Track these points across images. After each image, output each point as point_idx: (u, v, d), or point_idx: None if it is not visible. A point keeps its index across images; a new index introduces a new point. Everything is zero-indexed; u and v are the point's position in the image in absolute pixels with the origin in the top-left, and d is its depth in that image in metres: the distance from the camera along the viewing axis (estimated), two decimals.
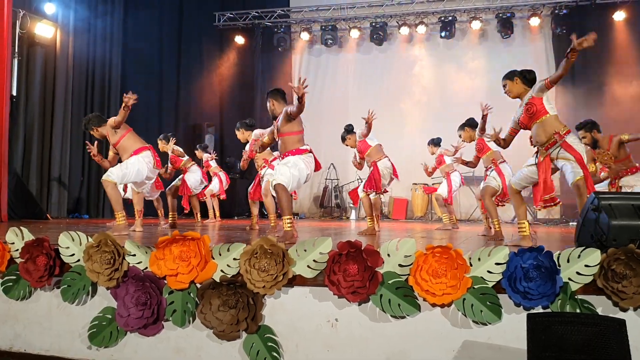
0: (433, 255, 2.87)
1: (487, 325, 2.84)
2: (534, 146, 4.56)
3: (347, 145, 6.92)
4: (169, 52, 12.42)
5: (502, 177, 6.16)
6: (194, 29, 12.68)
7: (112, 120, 5.87)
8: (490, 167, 6.34)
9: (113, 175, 5.70)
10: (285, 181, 4.85)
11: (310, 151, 5.15)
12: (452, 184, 8.15)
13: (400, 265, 2.92)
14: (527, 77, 4.60)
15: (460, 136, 6.89)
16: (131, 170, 5.84)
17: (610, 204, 3.11)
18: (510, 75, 4.67)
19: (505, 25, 11.36)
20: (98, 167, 10.45)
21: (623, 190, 5.89)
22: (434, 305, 2.88)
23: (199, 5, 12.71)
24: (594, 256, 2.78)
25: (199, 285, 3.06)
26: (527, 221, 4.59)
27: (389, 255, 2.93)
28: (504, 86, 4.68)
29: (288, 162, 5.01)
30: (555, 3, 11.12)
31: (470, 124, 6.72)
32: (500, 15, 11.42)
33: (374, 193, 6.75)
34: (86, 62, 10.51)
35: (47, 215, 9.10)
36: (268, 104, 5.30)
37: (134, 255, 3.16)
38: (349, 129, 6.92)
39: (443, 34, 11.76)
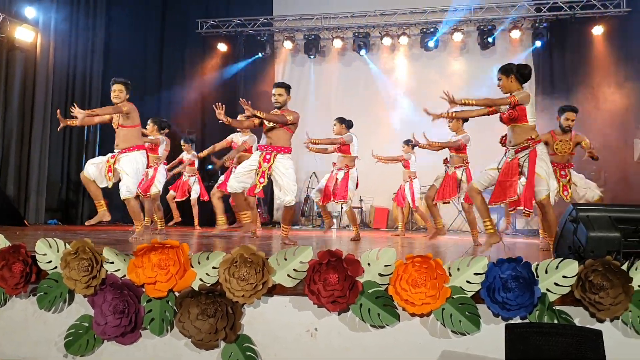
0: (413, 264, 2.88)
1: (465, 335, 2.85)
2: (505, 146, 4.66)
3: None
4: (151, 59, 12.36)
5: (470, 179, 6.40)
6: (176, 35, 12.63)
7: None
8: (461, 167, 6.58)
9: (132, 188, 5.82)
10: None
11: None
12: (414, 190, 8.65)
13: (380, 275, 2.92)
14: (523, 75, 4.70)
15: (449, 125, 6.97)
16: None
17: (588, 216, 3.15)
18: (506, 72, 4.75)
19: (487, 38, 11.47)
20: (77, 173, 10.36)
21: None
22: (413, 315, 2.88)
23: (182, 12, 12.67)
24: (572, 267, 2.81)
25: (177, 294, 3.03)
26: (491, 218, 4.67)
27: (369, 264, 2.94)
28: (499, 79, 4.77)
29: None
30: (535, 16, 11.27)
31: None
32: (482, 27, 11.53)
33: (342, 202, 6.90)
34: (67, 68, 10.42)
35: (25, 221, 8.98)
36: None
37: (112, 262, 3.13)
38: (342, 120, 7.17)
39: (425, 45, 11.85)
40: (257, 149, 5.83)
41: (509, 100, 4.57)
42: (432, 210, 6.97)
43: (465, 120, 6.72)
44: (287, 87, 5.84)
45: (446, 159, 6.98)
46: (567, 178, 6.04)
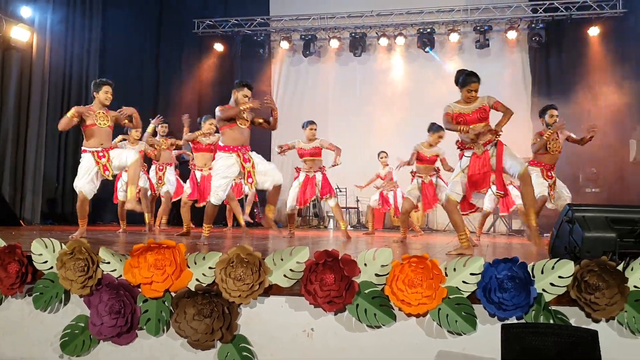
0: (409, 265, 2.88)
1: (461, 335, 2.85)
2: (462, 148, 4.74)
3: None
4: (148, 59, 12.34)
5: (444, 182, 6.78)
6: (173, 35, 12.62)
7: None
8: (434, 174, 6.97)
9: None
10: None
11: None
12: (397, 199, 8.91)
13: (376, 275, 2.92)
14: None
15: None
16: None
17: (583, 216, 3.16)
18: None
19: (483, 38, 11.50)
20: (73, 173, 10.32)
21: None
22: (409, 315, 2.89)
23: (179, 12, 12.66)
24: (568, 267, 2.81)
25: (173, 294, 3.03)
26: (466, 231, 4.75)
27: (365, 264, 2.94)
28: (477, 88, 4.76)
29: None
30: (532, 17, 11.30)
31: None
32: (478, 28, 11.55)
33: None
34: (63, 67, 10.39)
35: (20, 221, 8.96)
36: None
37: (108, 263, 3.12)
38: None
39: (422, 46, 11.86)
40: (229, 151, 5.49)
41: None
42: (404, 220, 7.05)
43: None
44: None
45: (413, 171, 7.14)
46: (553, 180, 6.14)
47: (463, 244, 4.63)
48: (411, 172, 7.16)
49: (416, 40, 12.01)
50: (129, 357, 3.10)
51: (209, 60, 12.83)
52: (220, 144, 5.56)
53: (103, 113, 5.82)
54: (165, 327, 3.05)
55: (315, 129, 7.08)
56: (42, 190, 9.88)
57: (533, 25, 11.30)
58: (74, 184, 5.76)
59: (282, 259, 3.00)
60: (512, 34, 11.39)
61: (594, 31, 10.90)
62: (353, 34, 12.20)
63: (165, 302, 3.05)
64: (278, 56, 12.97)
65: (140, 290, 3.06)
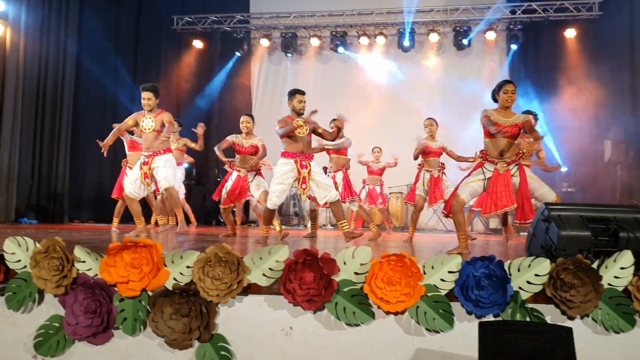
0: (388, 263, 2.89)
1: (439, 333, 2.87)
2: (489, 159, 4.69)
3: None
4: (126, 55, 12.21)
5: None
6: (151, 31, 12.52)
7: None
8: (441, 169, 7.01)
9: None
10: None
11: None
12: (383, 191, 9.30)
13: (356, 273, 2.92)
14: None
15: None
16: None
17: (559, 215, 3.19)
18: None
19: (462, 39, 11.59)
20: (48, 172, 10.20)
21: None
22: (388, 313, 2.89)
23: (157, 8, 12.55)
24: (544, 266, 2.84)
25: (150, 293, 3.00)
26: (466, 232, 4.81)
27: (345, 263, 2.94)
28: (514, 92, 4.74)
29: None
30: (510, 18, 11.41)
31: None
32: (457, 28, 11.64)
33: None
34: (38, 63, 10.22)
35: None
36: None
37: (84, 261, 3.08)
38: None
39: (402, 45, 11.91)
40: (288, 157, 5.71)
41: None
42: (416, 219, 7.17)
43: None
44: None
45: (420, 164, 7.08)
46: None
47: (462, 244, 4.67)
48: (418, 166, 7.14)
49: (397, 39, 12.05)
50: (104, 357, 3.06)
51: (187, 57, 12.74)
52: (282, 150, 5.77)
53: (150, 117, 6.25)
54: (142, 327, 3.02)
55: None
56: (16, 188, 9.72)
57: (511, 26, 11.41)
58: None
59: (261, 258, 2.98)
60: (491, 35, 11.50)
61: (570, 33, 11.05)
62: (334, 33, 12.20)
63: (142, 302, 3.01)
64: (258, 54, 12.93)
65: (116, 289, 3.02)
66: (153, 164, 6.13)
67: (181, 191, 8.55)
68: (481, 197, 4.87)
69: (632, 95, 10.12)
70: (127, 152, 7.84)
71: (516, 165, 4.68)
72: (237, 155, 6.83)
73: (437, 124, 7.01)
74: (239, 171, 6.72)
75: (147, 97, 6.23)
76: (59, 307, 3.09)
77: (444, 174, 7.08)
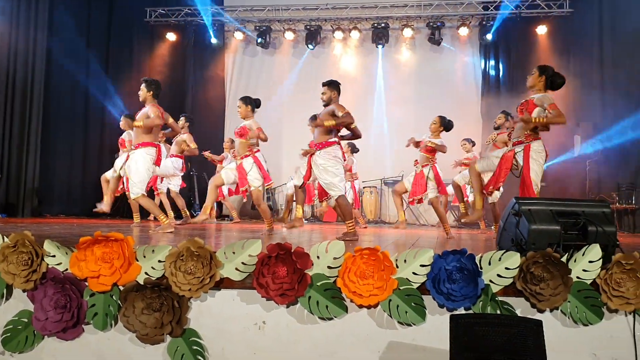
0: (361, 257, 2.90)
1: (411, 326, 2.90)
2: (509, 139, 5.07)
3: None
4: (98, 47, 11.99)
5: (438, 176, 6.94)
6: (124, 24, 12.31)
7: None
8: (428, 165, 6.94)
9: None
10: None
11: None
12: (355, 189, 9.31)
13: (329, 267, 2.93)
14: (553, 82, 4.86)
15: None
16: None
17: (529, 209, 3.24)
18: (542, 71, 4.87)
19: (436, 34, 11.66)
20: (17, 165, 10.00)
21: None
22: (360, 306, 2.91)
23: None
24: (514, 259, 2.88)
25: (122, 288, 2.97)
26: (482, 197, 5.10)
27: (318, 257, 2.94)
28: (532, 73, 4.89)
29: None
30: (483, 14, 11.50)
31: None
32: (431, 24, 11.70)
33: None
34: (7, 55, 9.96)
35: None
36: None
37: (54, 256, 3.03)
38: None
39: (376, 40, 11.94)
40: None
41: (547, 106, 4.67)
42: (397, 202, 7.12)
43: (448, 129, 7.07)
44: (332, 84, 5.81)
45: (416, 160, 7.11)
46: None
47: (476, 206, 5.08)
48: (415, 161, 7.17)
49: (371, 34, 12.07)
50: (75, 353, 3.03)
51: (161, 49, 12.59)
52: (333, 139, 5.72)
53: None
54: (112, 322, 2.99)
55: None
56: None
57: (484, 22, 11.52)
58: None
59: (234, 252, 2.97)
60: (463, 31, 11.58)
61: (542, 29, 11.18)
62: (308, 27, 12.17)
63: (113, 296, 2.98)
64: (232, 46, 12.84)
65: (87, 284, 2.98)
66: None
67: (175, 184, 8.47)
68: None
69: (601, 92, 10.28)
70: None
71: (522, 147, 4.77)
72: None
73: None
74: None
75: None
76: (28, 302, 3.04)
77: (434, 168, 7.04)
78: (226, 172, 6.34)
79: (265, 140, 6.24)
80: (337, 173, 5.59)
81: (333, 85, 5.74)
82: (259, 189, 6.17)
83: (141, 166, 5.98)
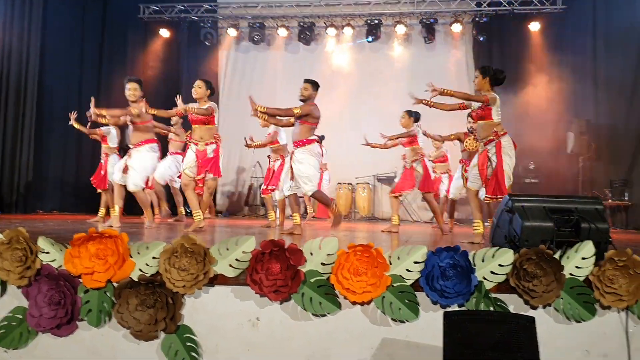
0: (355, 253, 2.91)
1: (405, 323, 2.91)
2: (477, 140, 5.30)
3: None
4: (91, 43, 11.92)
5: (426, 169, 7.11)
6: (118, 20, 12.24)
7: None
8: (417, 160, 7.13)
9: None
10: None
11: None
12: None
13: (322, 264, 2.94)
14: (497, 79, 5.25)
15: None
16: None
17: (523, 206, 3.25)
18: (484, 71, 5.24)
19: (429, 31, 11.65)
20: (11, 161, 9.96)
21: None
22: (354, 303, 2.92)
23: None
24: (507, 256, 2.90)
25: (116, 284, 2.97)
26: (481, 220, 5.17)
27: (311, 253, 2.95)
28: (476, 77, 5.26)
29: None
30: (476, 11, 11.51)
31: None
32: (424, 20, 11.69)
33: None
34: (1, 52, 9.93)
35: None
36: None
37: (48, 252, 3.03)
38: None
39: (369, 37, 11.93)
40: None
41: (483, 98, 5.03)
42: (394, 205, 7.24)
43: (417, 119, 7.20)
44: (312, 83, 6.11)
45: (404, 154, 7.17)
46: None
47: (475, 231, 5.13)
48: (403, 156, 7.33)
49: (364, 31, 12.06)
50: (69, 349, 3.03)
51: (154, 46, 12.54)
52: (309, 137, 6.03)
53: None
54: (107, 318, 2.99)
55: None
56: None
57: (477, 18, 11.52)
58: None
59: (227, 249, 2.98)
60: (457, 27, 11.57)
61: (534, 26, 11.19)
62: (301, 23, 12.14)
63: (107, 293, 2.98)
64: (225, 43, 12.78)
65: (81, 280, 2.98)
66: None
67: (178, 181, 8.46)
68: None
69: (594, 88, 10.30)
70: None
71: (493, 144, 5.00)
72: None
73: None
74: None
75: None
76: (22, 298, 3.04)
77: (423, 163, 7.18)
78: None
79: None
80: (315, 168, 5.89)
81: (315, 85, 6.12)
82: (215, 180, 6.18)
83: (148, 161, 6.24)
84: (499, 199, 4.71)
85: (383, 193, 11.88)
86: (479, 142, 5.17)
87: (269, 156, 7.89)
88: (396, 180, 7.56)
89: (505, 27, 11.49)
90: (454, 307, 2.88)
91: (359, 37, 12.21)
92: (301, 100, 5.94)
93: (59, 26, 10.85)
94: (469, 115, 6.28)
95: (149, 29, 12.53)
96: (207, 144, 6.01)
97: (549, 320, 2.92)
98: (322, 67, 12.41)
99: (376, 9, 11.99)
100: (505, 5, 11.24)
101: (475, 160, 5.20)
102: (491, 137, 5.00)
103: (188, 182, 5.89)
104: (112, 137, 7.81)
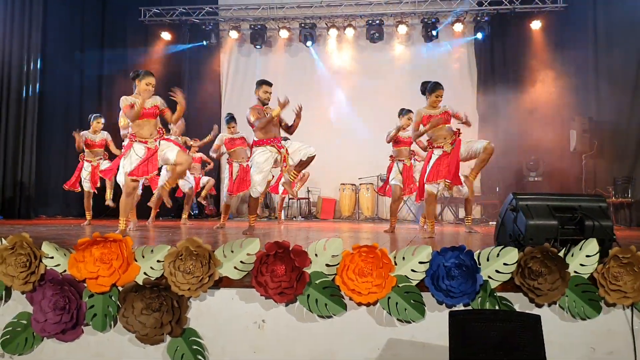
0: (359, 254, 2.91)
1: (411, 323, 2.90)
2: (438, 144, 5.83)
3: None
4: (92, 47, 11.95)
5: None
6: (118, 23, 12.28)
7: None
8: (411, 157, 7.15)
9: None
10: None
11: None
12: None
13: (327, 265, 2.94)
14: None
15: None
16: None
17: (527, 205, 3.25)
18: (423, 90, 6.09)
19: (430, 30, 11.65)
20: (13, 166, 9.98)
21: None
22: (359, 304, 2.91)
23: None
24: (512, 255, 2.89)
25: (120, 289, 2.97)
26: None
27: (316, 255, 2.95)
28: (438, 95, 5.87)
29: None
30: (477, 10, 11.50)
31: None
32: (426, 20, 11.69)
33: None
34: (1, 56, 9.95)
35: None
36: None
37: (52, 257, 3.03)
38: None
39: (370, 37, 11.93)
40: (263, 145, 5.92)
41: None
42: (393, 208, 7.15)
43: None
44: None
45: (392, 155, 7.12)
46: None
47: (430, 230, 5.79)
48: (390, 157, 7.18)
49: (365, 31, 12.06)
50: (74, 354, 3.03)
51: (155, 49, 12.55)
52: (255, 138, 5.98)
53: None
54: (112, 323, 2.99)
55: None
56: None
57: (478, 18, 11.52)
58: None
59: (232, 251, 2.98)
60: (458, 27, 11.58)
61: (536, 25, 11.18)
62: (303, 25, 12.15)
63: (112, 297, 2.98)
64: (227, 46, 12.79)
65: (85, 285, 2.98)
66: None
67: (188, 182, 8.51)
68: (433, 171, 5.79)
69: (596, 86, 10.28)
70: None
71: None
72: None
73: (410, 119, 7.08)
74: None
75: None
76: (27, 304, 3.04)
77: (416, 160, 7.18)
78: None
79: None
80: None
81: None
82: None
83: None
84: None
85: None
86: (445, 144, 5.84)
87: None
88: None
89: (506, 26, 11.48)
90: (460, 307, 2.87)
91: (361, 37, 12.21)
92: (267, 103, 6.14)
93: (59, 32, 10.91)
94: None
95: (149, 32, 12.54)
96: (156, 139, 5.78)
97: (555, 318, 2.92)
98: (323, 68, 12.42)
99: (377, 9, 11.98)
100: (506, 4, 11.24)
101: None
102: (454, 138, 5.85)
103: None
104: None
